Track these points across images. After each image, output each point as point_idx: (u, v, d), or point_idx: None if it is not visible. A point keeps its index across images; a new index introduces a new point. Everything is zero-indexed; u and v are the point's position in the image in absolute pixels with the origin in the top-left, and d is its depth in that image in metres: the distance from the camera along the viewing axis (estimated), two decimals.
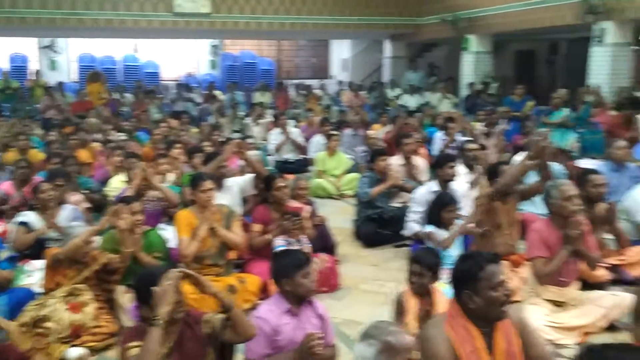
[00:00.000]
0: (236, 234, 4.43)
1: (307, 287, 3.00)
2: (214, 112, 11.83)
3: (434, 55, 17.19)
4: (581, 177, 4.73)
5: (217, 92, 14.18)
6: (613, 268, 4.57)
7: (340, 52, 18.86)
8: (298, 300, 3.02)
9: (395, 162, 6.62)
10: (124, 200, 4.40)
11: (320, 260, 4.56)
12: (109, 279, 4.04)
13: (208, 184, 4.43)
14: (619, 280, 4.50)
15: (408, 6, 15.14)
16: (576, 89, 10.45)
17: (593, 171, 4.86)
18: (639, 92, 10.66)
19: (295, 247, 4.19)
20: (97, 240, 4.28)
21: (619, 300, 3.80)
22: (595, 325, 3.79)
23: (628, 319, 3.33)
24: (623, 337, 3.38)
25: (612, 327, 3.80)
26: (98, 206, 5.68)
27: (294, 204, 5.01)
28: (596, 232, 4.56)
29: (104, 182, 6.51)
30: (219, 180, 5.32)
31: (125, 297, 3.96)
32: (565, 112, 9.34)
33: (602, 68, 10.55)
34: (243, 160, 5.85)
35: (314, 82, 16.76)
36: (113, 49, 16.86)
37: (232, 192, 5.58)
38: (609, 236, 4.77)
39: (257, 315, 3.03)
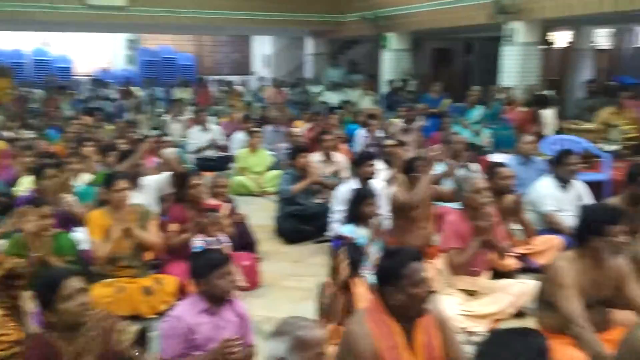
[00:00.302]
0: (152, 234, 4.31)
1: (224, 288, 2.96)
2: (130, 108, 11.46)
3: (355, 52, 17.42)
4: (490, 170, 4.93)
5: (134, 88, 13.73)
6: (521, 257, 4.80)
7: (262, 48, 18.75)
8: (216, 300, 2.98)
9: (316, 158, 6.67)
10: (32, 202, 4.18)
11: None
12: (15, 285, 3.82)
13: (122, 183, 4.28)
14: (527, 268, 4.72)
15: (329, 3, 15.25)
16: (489, 86, 10.90)
17: (501, 164, 5.08)
18: (547, 90, 11.28)
19: (215, 247, 4.13)
20: (2, 244, 4.05)
21: (526, 287, 3.99)
22: (505, 312, 3.96)
23: (534, 305, 3.50)
24: (530, 323, 3.54)
25: (520, 314, 3.98)
26: (4, 208, 5.37)
27: (213, 201, 4.93)
28: (505, 223, 4.79)
29: (12, 182, 6.16)
30: (134, 179, 5.15)
31: (32, 303, 3.76)
32: (479, 109, 9.72)
33: (513, 66, 11.04)
34: (158, 158, 5.70)
35: (235, 78, 16.58)
36: (21, 43, 15.97)
37: (148, 191, 5.42)
38: (517, 226, 5.01)
39: (172, 314, 2.96)
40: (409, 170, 4.93)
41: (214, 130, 9.37)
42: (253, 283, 4.64)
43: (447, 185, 5.21)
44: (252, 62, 19.20)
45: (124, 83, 14.03)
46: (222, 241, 4.41)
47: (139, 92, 13.62)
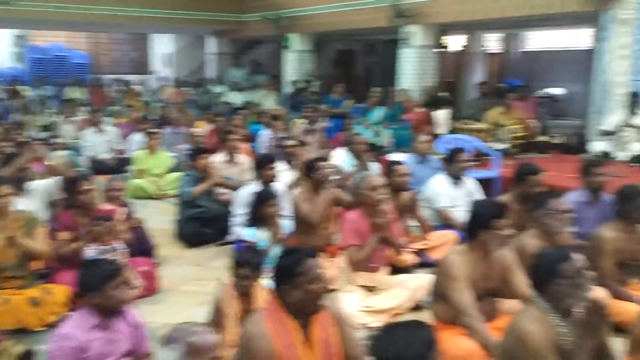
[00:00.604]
0: (39, 243, 4.05)
1: (119, 299, 2.84)
2: (17, 109, 10.75)
3: (258, 53, 17.35)
4: (387, 169, 5.07)
5: (22, 88, 12.90)
6: (418, 252, 4.97)
7: (162, 46, 18.23)
8: (108, 312, 2.84)
9: (218, 159, 6.56)
10: None
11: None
12: None
13: (5, 189, 4.00)
14: (424, 263, 4.89)
15: (231, 3, 15.07)
16: (390, 88, 11.22)
17: (398, 162, 5.24)
18: (443, 91, 11.77)
19: (109, 255, 3.96)
20: None
21: (422, 281, 4.13)
22: (403, 306, 4.07)
23: (429, 298, 3.63)
24: (426, 315, 3.67)
25: (417, 307, 4.11)
26: None
27: (108, 206, 4.72)
28: (402, 220, 4.94)
29: None
30: (19, 184, 4.84)
31: None
32: (380, 110, 9.98)
33: (410, 69, 11.43)
34: (47, 161, 5.38)
35: (133, 78, 16.01)
36: None
37: (36, 196, 5.10)
38: (413, 223, 5.18)
39: (60, 332, 2.79)
40: (311, 171, 4.94)
41: (110, 131, 8.99)
42: (151, 289, 4.48)
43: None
44: (151, 61, 18.62)
45: (11, 82, 13.15)
46: (118, 248, 4.22)
47: (27, 91, 12.80)
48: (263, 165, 5.26)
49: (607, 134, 8.01)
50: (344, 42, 17.49)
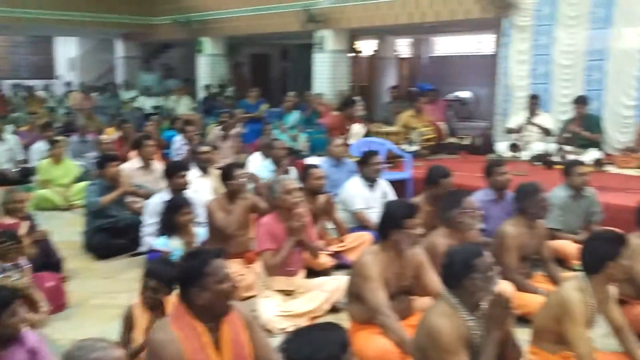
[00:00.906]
0: None
1: (15, 327, 2.67)
2: None
3: (170, 57, 16.96)
4: (303, 172, 5.09)
5: None
6: (335, 254, 5.02)
7: (67, 50, 17.42)
8: (3, 341, 2.66)
9: (132, 167, 6.35)
10: None
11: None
12: None
13: None
14: (341, 265, 4.94)
15: (140, 5, 14.66)
16: (305, 92, 11.30)
17: (313, 166, 5.27)
18: (356, 95, 11.98)
19: (11, 273, 3.73)
20: None
21: (339, 283, 4.16)
22: (321, 308, 4.09)
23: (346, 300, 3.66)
24: (343, 317, 3.70)
25: (335, 309, 4.15)
26: None
27: (9, 220, 4.45)
28: (318, 222, 4.97)
29: None
30: None
31: None
32: (295, 114, 10.01)
33: (324, 73, 11.57)
34: None
35: (36, 83, 15.19)
36: None
37: None
38: (330, 225, 5.23)
39: None
40: (226, 178, 4.84)
41: (10, 140, 8.48)
42: (59, 305, 4.25)
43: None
44: (55, 65, 17.74)
45: None
46: (22, 265, 3.97)
47: None
48: (174, 172, 5.12)
49: (512, 131, 8.44)
50: (259, 47, 17.45)
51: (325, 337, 1.86)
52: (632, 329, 3.54)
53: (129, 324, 3.15)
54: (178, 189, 5.06)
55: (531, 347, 3.02)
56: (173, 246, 4.30)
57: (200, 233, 4.73)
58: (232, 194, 4.75)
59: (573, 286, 2.90)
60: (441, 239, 3.72)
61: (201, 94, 13.69)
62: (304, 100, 10.89)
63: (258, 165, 6.63)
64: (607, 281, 2.92)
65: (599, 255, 2.87)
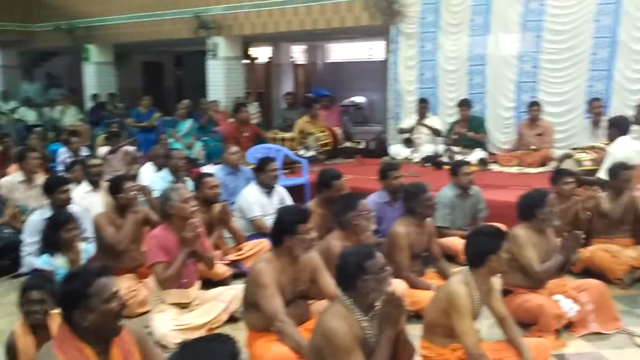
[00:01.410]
0: None
1: None
2: None
3: (53, 65, 16.06)
4: (197, 181, 4.98)
5: None
6: (233, 263, 4.95)
7: None
8: None
9: (11, 180, 5.92)
10: None
11: None
12: None
13: None
14: (240, 273, 4.87)
15: (17, 11, 13.75)
16: (201, 99, 11.10)
17: (207, 174, 5.17)
18: (254, 102, 11.95)
19: None
20: None
21: (237, 292, 4.09)
22: (219, 319, 4.00)
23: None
24: (242, 326, 3.64)
25: (234, 319, 4.07)
26: None
27: None
28: (215, 231, 4.88)
29: None
30: None
31: None
32: (189, 122, 9.78)
33: (219, 80, 11.44)
34: None
35: None
36: None
37: None
38: (227, 234, 5.15)
39: None
40: (115, 191, 4.61)
41: None
42: None
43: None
44: None
45: None
46: None
47: None
48: (54, 188, 4.83)
49: (403, 131, 8.74)
50: (151, 54, 16.94)
51: (213, 349, 1.82)
52: (515, 318, 3.79)
53: (12, 351, 2.92)
54: (60, 204, 4.77)
55: (422, 342, 3.12)
56: (57, 264, 4.05)
57: (87, 249, 4.49)
58: (123, 208, 4.54)
59: (458, 280, 3.03)
60: (336, 242, 3.77)
61: (89, 104, 13.07)
62: (198, 108, 10.70)
63: (153, 176, 6.39)
64: (490, 274, 3.08)
65: (480, 249, 3.02)
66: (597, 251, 4.73)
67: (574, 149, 6.72)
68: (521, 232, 3.88)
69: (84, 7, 12.95)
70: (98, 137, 10.16)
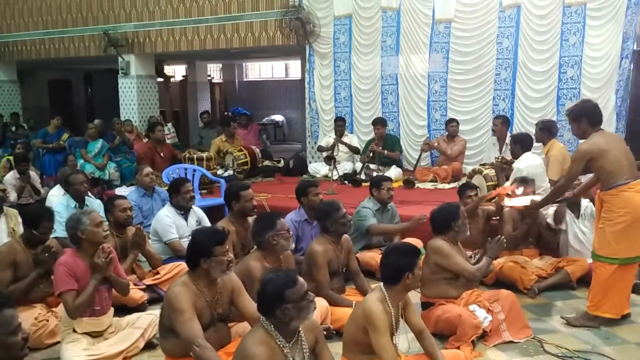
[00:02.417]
0: None
1: None
2: None
3: None
4: (108, 203, 4.80)
5: None
6: (149, 288, 4.78)
7: None
8: None
9: None
10: None
11: None
12: None
13: None
14: (157, 298, 4.70)
15: None
16: (114, 119, 10.73)
17: (119, 197, 4.98)
18: (170, 121, 11.72)
19: None
20: None
21: (154, 318, 3.95)
22: (136, 346, 3.85)
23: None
24: (160, 353, 3.52)
25: (151, 345, 3.93)
26: None
27: None
28: (130, 255, 4.70)
29: None
30: None
31: None
32: (100, 143, 9.42)
33: (131, 99, 11.13)
34: None
35: None
36: None
37: None
38: (142, 258, 4.97)
39: None
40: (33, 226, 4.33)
41: None
42: None
43: None
44: None
45: None
46: None
47: None
48: None
49: (322, 149, 8.84)
50: (58, 71, 16.23)
51: None
52: (435, 329, 3.91)
53: None
54: None
55: (343, 358, 3.13)
56: None
57: None
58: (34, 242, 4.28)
59: (374, 297, 3.08)
60: (255, 263, 3.74)
61: None
62: (111, 127, 10.35)
63: (58, 199, 6.07)
64: (405, 290, 3.14)
65: (396, 267, 3.09)
66: (507, 263, 4.96)
67: (483, 164, 7.05)
68: (442, 243, 4.01)
69: None
70: (1, 160, 9.59)
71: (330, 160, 8.49)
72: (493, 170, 6.45)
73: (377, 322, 2.95)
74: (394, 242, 5.28)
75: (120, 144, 9.93)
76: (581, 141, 4.32)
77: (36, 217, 4.22)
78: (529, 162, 5.65)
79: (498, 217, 5.39)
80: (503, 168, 6.27)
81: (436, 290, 4.03)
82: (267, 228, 3.83)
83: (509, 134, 7.44)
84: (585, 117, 4.09)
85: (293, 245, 4.13)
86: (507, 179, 5.86)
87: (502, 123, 7.61)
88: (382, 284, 3.14)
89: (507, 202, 4.63)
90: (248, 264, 3.76)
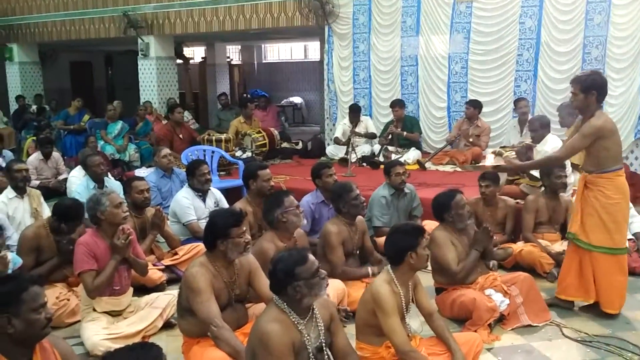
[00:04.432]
0: None
1: None
2: None
3: None
4: (126, 185, 4.84)
5: None
6: (168, 268, 4.84)
7: None
8: None
9: None
10: None
11: None
12: None
13: None
14: (176, 279, 4.77)
15: None
16: (132, 100, 10.82)
17: (137, 178, 5.03)
18: (189, 102, 11.76)
19: None
20: None
21: (172, 298, 4.00)
22: (154, 326, 3.90)
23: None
24: (178, 333, 3.56)
25: (170, 325, 3.98)
26: None
27: None
28: (148, 236, 4.75)
29: None
30: None
31: None
32: (120, 124, 9.50)
33: (150, 80, 11.17)
34: None
35: None
36: None
37: None
38: (161, 239, 5.03)
39: None
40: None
41: None
42: None
43: None
44: None
45: None
46: None
47: None
48: None
49: (338, 142, 8.79)
50: (79, 53, 16.34)
51: (138, 357, 1.77)
52: (450, 314, 3.89)
53: None
54: None
55: (357, 343, 3.13)
56: None
57: (15, 259, 4.27)
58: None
59: (382, 279, 3.07)
60: (268, 244, 3.76)
61: (13, 107, 12.50)
62: (133, 109, 10.42)
63: (79, 180, 6.14)
64: (411, 270, 3.10)
65: (399, 247, 3.06)
66: (526, 246, 4.91)
67: (503, 147, 6.95)
68: (439, 233, 3.98)
69: (4, 4, 12.37)
70: (26, 141, 9.74)
71: (343, 142, 8.44)
72: (514, 153, 6.34)
73: (385, 303, 2.94)
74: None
75: (142, 126, 10.01)
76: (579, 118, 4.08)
77: (71, 216, 4.22)
78: (554, 144, 5.51)
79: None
80: (525, 152, 6.15)
81: (439, 278, 4.02)
82: (275, 206, 3.85)
83: (530, 116, 7.33)
84: (596, 90, 3.78)
85: (305, 221, 4.13)
86: None
87: (526, 105, 7.50)
88: (389, 265, 3.13)
89: (477, 164, 4.52)
90: (261, 246, 3.77)
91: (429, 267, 4.36)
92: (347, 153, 7.83)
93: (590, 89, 3.77)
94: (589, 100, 3.79)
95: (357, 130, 8.45)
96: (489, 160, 4.57)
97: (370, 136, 8.59)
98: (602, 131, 3.74)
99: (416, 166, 7.70)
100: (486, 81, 8.38)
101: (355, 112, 8.61)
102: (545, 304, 4.03)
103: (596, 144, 3.77)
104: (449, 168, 7.77)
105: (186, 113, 11.77)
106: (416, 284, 3.19)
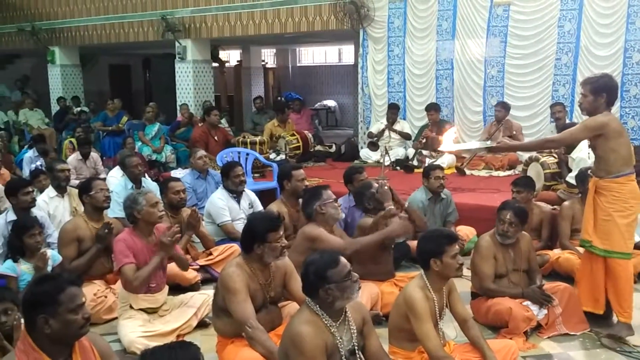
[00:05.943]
0: None
1: None
2: None
3: (18, 67, 15.71)
4: (163, 185, 4.93)
5: None
6: (203, 268, 4.90)
7: None
8: None
9: None
10: None
11: None
12: None
13: None
14: (210, 279, 4.83)
15: None
16: (169, 103, 11.00)
17: (173, 179, 5.12)
18: (225, 106, 11.88)
19: None
20: None
21: (207, 297, 4.06)
22: (189, 325, 3.97)
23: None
24: (212, 332, 3.60)
25: (204, 324, 4.03)
26: None
27: None
28: (184, 236, 4.82)
29: None
30: None
31: None
32: (157, 126, 9.67)
33: (187, 83, 11.34)
34: None
35: None
36: None
37: None
38: (196, 239, 5.10)
39: None
40: (84, 196, 4.53)
41: None
42: None
43: None
44: None
45: None
46: None
47: None
48: (16, 190, 4.71)
49: (372, 136, 8.79)
50: (118, 57, 16.70)
51: (176, 355, 1.80)
52: (485, 321, 3.85)
53: None
54: (23, 207, 4.66)
55: (390, 347, 3.12)
56: (23, 271, 3.96)
57: (54, 256, 4.39)
58: (92, 212, 4.47)
59: (414, 284, 3.04)
60: (310, 227, 3.80)
61: (55, 108, 12.84)
62: (170, 111, 10.60)
63: (117, 180, 6.27)
64: (440, 277, 3.04)
65: (424, 252, 3.05)
66: (563, 254, 4.82)
67: (540, 152, 6.84)
68: (485, 242, 3.93)
69: (47, 8, 12.72)
70: (65, 141, 9.99)
71: (374, 146, 8.41)
72: (552, 158, 6.22)
73: (418, 309, 2.92)
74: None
75: (182, 129, 10.20)
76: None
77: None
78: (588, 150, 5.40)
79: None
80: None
81: (478, 288, 3.98)
82: (314, 199, 3.90)
83: (567, 121, 7.19)
84: (607, 93, 3.68)
85: (343, 215, 4.16)
86: (570, 171, 5.66)
87: (560, 111, 7.37)
88: (422, 271, 3.11)
89: (441, 147, 4.42)
90: (303, 231, 3.87)
91: (465, 273, 4.36)
92: (381, 156, 7.82)
93: (601, 91, 3.68)
94: (598, 102, 3.69)
95: (394, 128, 8.46)
96: (473, 144, 4.48)
97: (405, 136, 8.56)
98: (606, 128, 3.62)
99: (451, 170, 7.63)
100: (523, 85, 8.25)
101: (393, 109, 8.64)
102: (584, 314, 3.93)
103: (602, 145, 3.66)
104: (484, 173, 7.69)
105: (223, 120, 11.89)
106: (451, 290, 3.16)
